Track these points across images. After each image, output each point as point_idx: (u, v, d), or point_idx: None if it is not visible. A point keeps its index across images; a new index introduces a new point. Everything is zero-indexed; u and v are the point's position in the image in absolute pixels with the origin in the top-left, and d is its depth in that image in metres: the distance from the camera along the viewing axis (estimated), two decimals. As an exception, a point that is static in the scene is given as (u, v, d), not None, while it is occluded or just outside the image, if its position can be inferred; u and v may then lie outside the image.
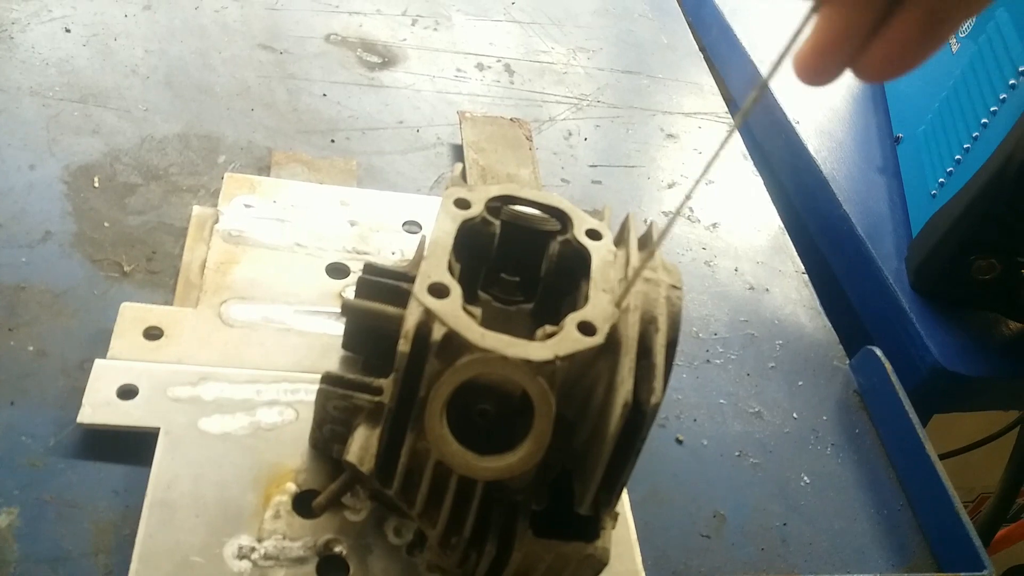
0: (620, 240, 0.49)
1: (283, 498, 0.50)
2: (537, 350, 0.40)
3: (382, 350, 0.53)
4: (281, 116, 0.79)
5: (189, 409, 0.53)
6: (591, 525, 0.45)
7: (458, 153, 0.80)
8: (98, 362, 0.53)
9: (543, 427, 0.40)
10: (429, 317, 0.41)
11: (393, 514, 0.51)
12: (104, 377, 0.53)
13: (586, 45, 1.00)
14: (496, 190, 0.50)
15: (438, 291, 0.42)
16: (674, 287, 0.45)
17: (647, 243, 0.47)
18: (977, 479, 0.99)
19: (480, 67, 0.92)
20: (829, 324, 0.77)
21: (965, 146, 0.82)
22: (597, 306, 0.43)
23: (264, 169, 0.73)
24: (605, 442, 0.40)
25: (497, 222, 0.50)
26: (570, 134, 0.87)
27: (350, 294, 0.57)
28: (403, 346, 0.41)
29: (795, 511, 0.62)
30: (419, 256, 0.55)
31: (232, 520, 0.49)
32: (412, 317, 0.41)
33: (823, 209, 0.92)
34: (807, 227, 0.93)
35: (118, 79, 0.77)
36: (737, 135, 0.93)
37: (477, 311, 0.42)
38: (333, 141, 0.78)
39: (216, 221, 0.65)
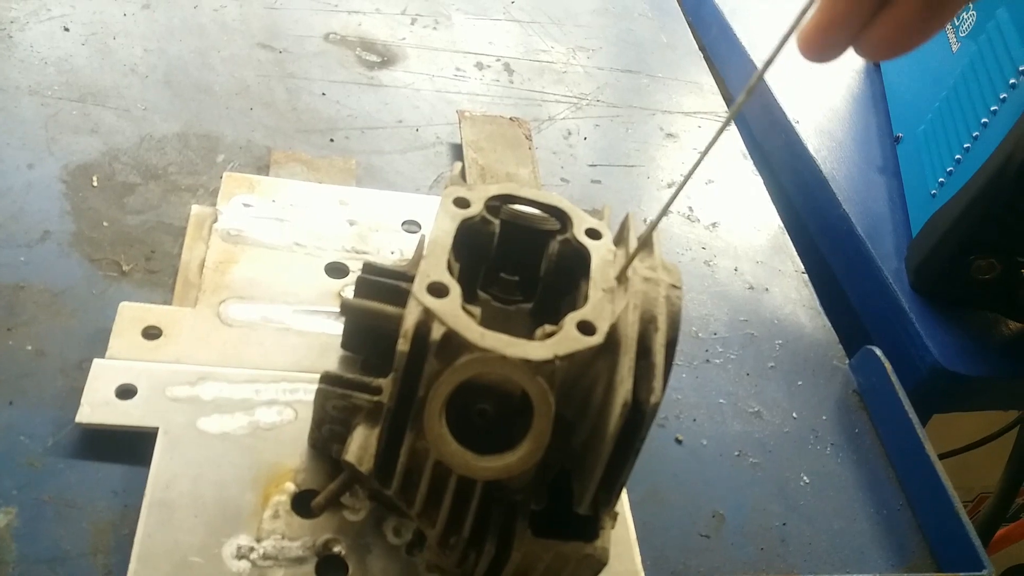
0: (620, 239, 0.49)
1: (282, 498, 0.50)
2: (536, 350, 0.40)
3: (381, 350, 0.53)
4: (280, 115, 0.79)
5: (188, 409, 0.53)
6: (590, 525, 0.45)
7: (457, 152, 0.80)
8: (97, 362, 0.53)
9: (542, 427, 0.40)
10: (428, 316, 0.41)
11: (392, 514, 0.51)
12: (103, 377, 0.53)
13: (586, 44, 1.00)
14: (495, 189, 0.50)
15: (437, 290, 0.42)
16: (674, 287, 0.45)
17: (647, 240, 0.46)
18: (977, 479, 0.99)
19: (479, 66, 0.92)
20: (829, 324, 0.77)
21: (965, 146, 0.82)
22: (596, 306, 0.43)
23: (263, 168, 0.73)
24: (604, 442, 0.40)
25: (496, 221, 0.50)
26: (569, 133, 0.87)
27: (349, 293, 0.57)
28: (402, 345, 0.41)
29: (794, 511, 0.62)
30: (418, 255, 0.55)
31: (231, 520, 0.49)
32: (411, 316, 0.41)
33: (823, 209, 0.92)
34: (807, 227, 0.93)
35: (117, 78, 0.77)
36: (737, 135, 0.93)
37: (476, 311, 0.42)
38: (332, 140, 0.78)
39: (215, 220, 0.65)
